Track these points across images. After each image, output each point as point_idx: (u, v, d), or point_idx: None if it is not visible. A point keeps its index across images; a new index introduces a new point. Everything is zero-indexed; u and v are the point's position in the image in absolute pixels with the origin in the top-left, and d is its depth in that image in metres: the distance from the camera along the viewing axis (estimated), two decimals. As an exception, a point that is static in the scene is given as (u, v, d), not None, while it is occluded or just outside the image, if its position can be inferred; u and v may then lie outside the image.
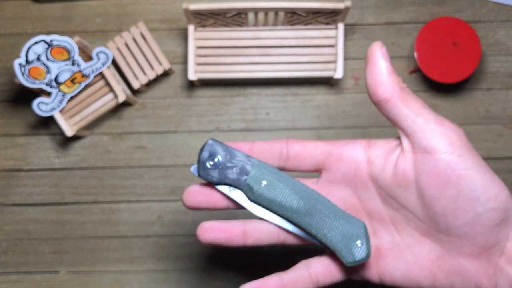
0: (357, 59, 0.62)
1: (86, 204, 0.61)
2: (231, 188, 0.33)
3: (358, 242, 0.31)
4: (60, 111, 0.57)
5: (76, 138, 0.62)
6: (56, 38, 0.55)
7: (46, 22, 0.63)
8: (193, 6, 0.53)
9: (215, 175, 0.33)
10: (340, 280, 0.33)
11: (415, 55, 0.58)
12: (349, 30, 0.63)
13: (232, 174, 0.33)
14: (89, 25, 0.63)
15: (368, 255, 0.31)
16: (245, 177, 0.32)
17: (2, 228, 0.61)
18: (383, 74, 0.30)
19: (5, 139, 0.62)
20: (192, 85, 0.63)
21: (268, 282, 0.33)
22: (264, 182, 0.32)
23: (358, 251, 0.31)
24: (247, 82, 0.62)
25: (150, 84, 0.62)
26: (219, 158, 0.33)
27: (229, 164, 0.33)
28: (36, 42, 0.54)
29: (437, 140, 0.29)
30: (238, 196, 0.33)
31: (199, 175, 0.33)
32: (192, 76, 0.58)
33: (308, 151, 0.33)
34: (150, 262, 0.60)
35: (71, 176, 0.61)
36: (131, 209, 0.61)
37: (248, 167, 0.32)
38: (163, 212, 0.61)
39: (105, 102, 0.59)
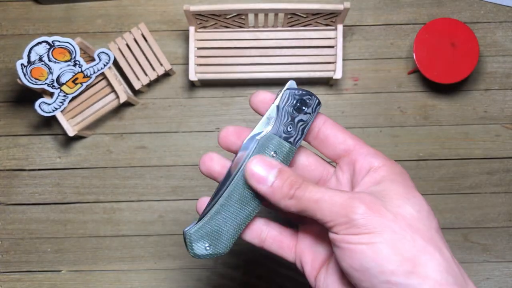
0: (356, 60, 0.63)
1: (88, 204, 0.61)
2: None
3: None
4: (62, 111, 0.58)
5: (77, 138, 0.62)
6: (58, 39, 0.55)
7: (48, 23, 0.64)
8: (193, 8, 0.54)
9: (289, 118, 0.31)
10: (286, 259, 0.33)
11: (414, 56, 0.59)
12: (348, 31, 0.63)
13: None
14: (90, 26, 0.64)
15: None
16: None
17: (4, 228, 0.61)
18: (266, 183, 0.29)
19: (8, 139, 0.63)
20: (192, 86, 0.63)
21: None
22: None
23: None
24: (247, 82, 0.63)
25: (151, 84, 0.63)
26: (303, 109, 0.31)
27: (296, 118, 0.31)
28: (38, 43, 0.55)
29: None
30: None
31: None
32: (193, 76, 0.59)
33: (334, 142, 0.32)
34: (151, 261, 0.61)
35: (73, 176, 0.62)
36: (132, 209, 0.61)
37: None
38: (164, 212, 0.61)
39: (107, 102, 0.59)
